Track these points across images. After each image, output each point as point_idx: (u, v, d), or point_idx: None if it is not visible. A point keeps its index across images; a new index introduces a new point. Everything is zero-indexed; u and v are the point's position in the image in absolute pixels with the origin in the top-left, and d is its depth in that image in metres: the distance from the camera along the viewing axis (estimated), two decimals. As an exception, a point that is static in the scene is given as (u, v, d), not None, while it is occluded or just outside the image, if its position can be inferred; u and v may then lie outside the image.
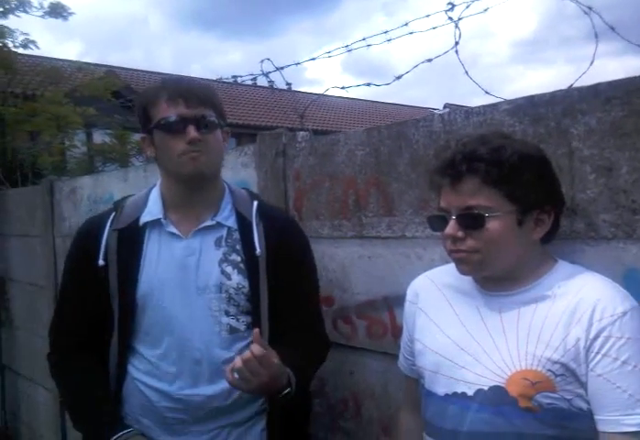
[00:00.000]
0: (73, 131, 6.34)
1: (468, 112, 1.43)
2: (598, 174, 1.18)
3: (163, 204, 1.53)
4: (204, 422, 1.46)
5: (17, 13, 6.46)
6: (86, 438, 1.53)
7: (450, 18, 1.82)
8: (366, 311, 1.67)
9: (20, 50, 6.88)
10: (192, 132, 1.42)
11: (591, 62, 1.73)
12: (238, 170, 2.09)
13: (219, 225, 1.52)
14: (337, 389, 1.76)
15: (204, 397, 1.44)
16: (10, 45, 6.62)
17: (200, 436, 1.46)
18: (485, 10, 1.81)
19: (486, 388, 1.07)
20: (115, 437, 1.40)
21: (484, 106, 1.39)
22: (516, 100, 1.33)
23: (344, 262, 1.74)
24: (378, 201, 1.63)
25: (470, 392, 1.09)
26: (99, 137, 7.71)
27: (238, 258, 1.50)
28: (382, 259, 1.63)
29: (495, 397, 1.06)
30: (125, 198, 1.63)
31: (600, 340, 1.00)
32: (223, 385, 1.40)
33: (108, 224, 1.53)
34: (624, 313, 1.00)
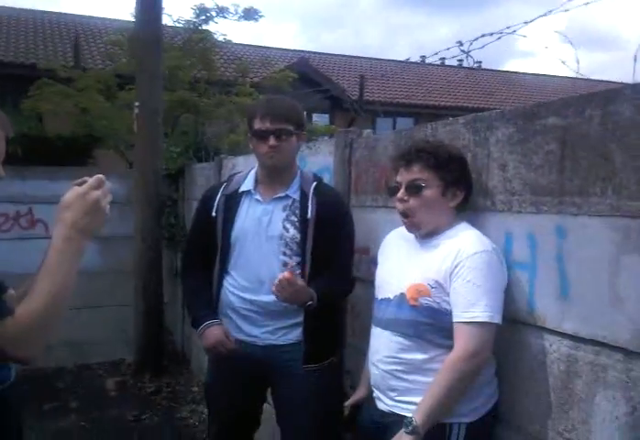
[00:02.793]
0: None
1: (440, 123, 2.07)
2: (499, 169, 1.78)
3: (255, 181, 2.38)
4: (265, 318, 2.29)
5: (216, 19, 7.82)
6: (192, 320, 2.41)
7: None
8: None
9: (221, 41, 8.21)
10: (271, 141, 2.22)
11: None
12: (326, 156, 2.88)
13: (287, 196, 2.32)
14: (362, 310, 2.50)
15: (264, 302, 2.27)
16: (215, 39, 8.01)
17: (262, 328, 2.30)
18: None
19: (398, 294, 1.78)
20: (204, 324, 2.30)
21: (452, 120, 2.02)
22: (468, 117, 1.95)
23: (377, 224, 2.46)
24: (398, 182, 2.32)
25: (391, 297, 1.80)
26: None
27: (296, 219, 2.29)
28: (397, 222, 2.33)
29: (399, 299, 1.76)
30: (234, 174, 2.51)
31: (457, 268, 1.65)
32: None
33: (221, 190, 2.42)
34: (475, 253, 1.64)
